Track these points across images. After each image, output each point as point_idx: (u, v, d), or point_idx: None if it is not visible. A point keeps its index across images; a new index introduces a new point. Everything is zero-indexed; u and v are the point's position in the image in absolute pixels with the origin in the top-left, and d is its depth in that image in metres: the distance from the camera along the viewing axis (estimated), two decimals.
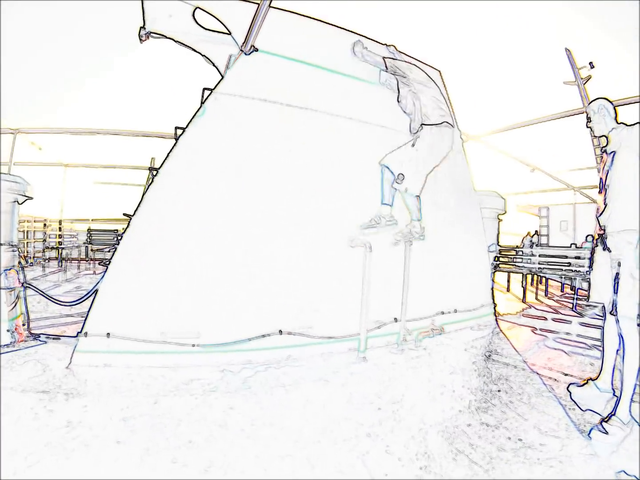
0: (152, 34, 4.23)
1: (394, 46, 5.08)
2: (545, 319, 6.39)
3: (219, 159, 3.92)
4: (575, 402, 3.18)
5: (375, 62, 4.73)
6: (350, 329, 4.30)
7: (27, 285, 4.17)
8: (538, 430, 2.73)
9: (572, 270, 7.78)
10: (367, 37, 4.90)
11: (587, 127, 3.36)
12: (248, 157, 4.02)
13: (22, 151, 11.36)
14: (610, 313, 3.07)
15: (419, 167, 4.64)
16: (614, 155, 3.07)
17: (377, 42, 5.01)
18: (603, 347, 3.28)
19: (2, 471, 2.05)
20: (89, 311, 3.58)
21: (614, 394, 3.21)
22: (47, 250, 12.30)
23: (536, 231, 13.59)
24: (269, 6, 3.86)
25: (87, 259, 13.15)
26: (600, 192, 3.21)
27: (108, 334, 3.56)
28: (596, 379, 3.34)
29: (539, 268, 8.34)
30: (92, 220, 13.78)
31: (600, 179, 3.21)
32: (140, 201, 3.72)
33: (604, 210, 3.10)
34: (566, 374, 3.84)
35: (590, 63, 9.02)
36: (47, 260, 12.07)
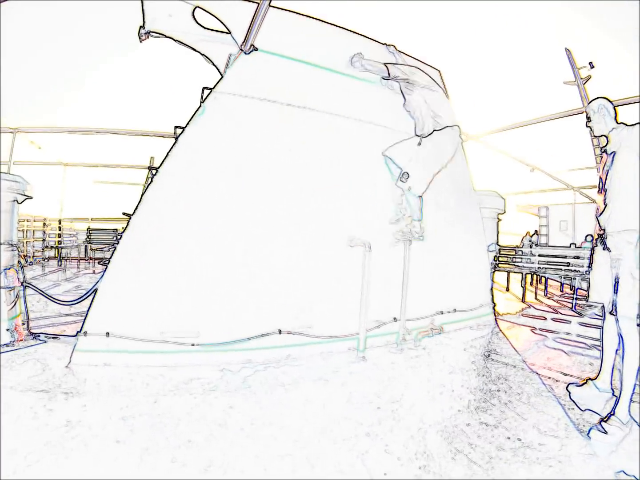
0: (151, 34, 4.23)
1: (394, 46, 5.08)
2: (545, 318, 6.39)
3: (219, 159, 3.92)
4: (574, 402, 3.18)
5: (378, 70, 4.71)
6: (349, 329, 4.30)
7: (27, 285, 4.17)
8: (537, 430, 2.73)
9: (571, 270, 7.78)
10: (367, 37, 4.91)
11: (587, 126, 3.36)
12: (248, 156, 4.02)
13: (21, 150, 11.36)
14: (610, 313, 3.07)
15: (424, 167, 4.65)
16: (614, 155, 3.07)
17: (377, 41, 5.01)
18: (602, 347, 3.28)
19: (2, 470, 2.05)
20: (88, 310, 3.58)
21: (613, 394, 3.22)
22: (47, 249, 12.29)
23: (536, 231, 13.59)
24: (269, 5, 3.86)
25: (86, 258, 13.14)
26: (600, 192, 3.21)
27: (107, 333, 3.55)
28: (595, 378, 3.34)
29: (538, 268, 8.34)
30: (91, 219, 13.77)
31: (600, 178, 3.21)
32: (140, 200, 3.72)
33: (603, 210, 3.10)
34: (565, 374, 3.84)
35: (590, 63, 9.03)
36: (46, 260, 12.06)
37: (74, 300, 4.07)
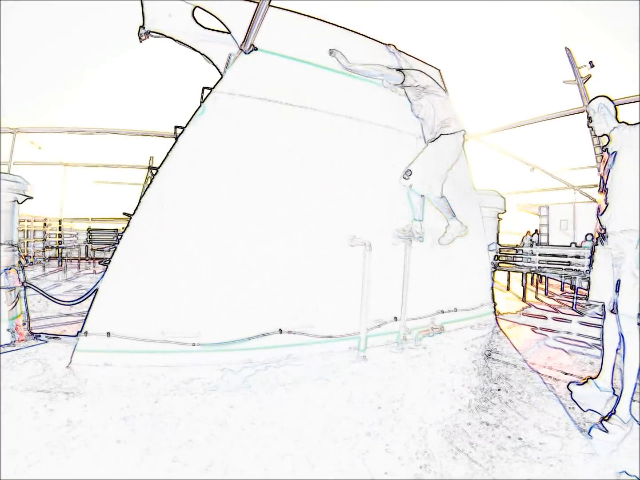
0: (151, 33, 4.23)
1: (394, 45, 5.08)
2: (545, 318, 6.39)
3: (219, 158, 3.92)
4: (575, 401, 3.18)
5: (394, 79, 4.72)
6: (350, 328, 4.30)
7: (27, 285, 4.17)
8: (538, 429, 2.73)
9: (572, 269, 7.78)
10: (367, 36, 4.90)
11: (589, 127, 3.36)
12: (248, 156, 4.02)
13: (21, 150, 11.36)
14: (611, 311, 3.07)
15: (428, 168, 4.65)
16: (615, 154, 3.06)
17: (377, 41, 5.01)
18: (603, 346, 3.28)
19: (2, 470, 2.05)
20: (89, 310, 3.58)
21: (614, 393, 3.22)
22: (47, 249, 12.31)
23: (536, 230, 13.59)
24: (269, 5, 3.86)
25: (87, 258, 13.16)
26: (601, 191, 3.21)
27: (108, 333, 3.56)
28: (596, 377, 3.34)
29: (539, 267, 8.33)
30: (92, 219, 13.78)
31: (601, 177, 3.21)
32: (140, 200, 3.72)
33: (605, 209, 3.09)
34: (566, 373, 3.84)
35: (590, 62, 9.02)
36: (47, 260, 12.08)
37: (74, 301, 4.07)
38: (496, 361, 4.15)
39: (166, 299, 3.70)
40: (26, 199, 4.32)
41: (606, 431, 2.65)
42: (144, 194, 3.76)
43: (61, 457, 2.20)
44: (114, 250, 3.64)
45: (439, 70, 5.75)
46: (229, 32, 4.20)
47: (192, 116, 3.85)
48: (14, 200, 4.14)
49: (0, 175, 3.98)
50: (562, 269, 7.97)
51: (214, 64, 4.59)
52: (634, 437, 2.65)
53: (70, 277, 9.40)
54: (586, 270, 7.28)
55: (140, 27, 4.15)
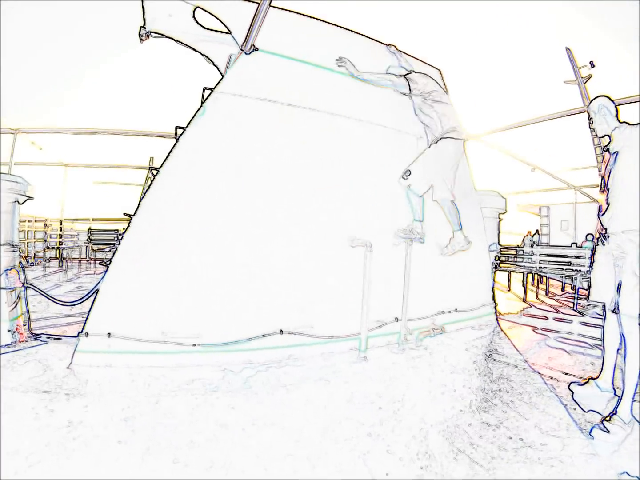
0: (152, 34, 4.23)
1: (395, 46, 5.08)
2: (546, 318, 6.39)
3: (220, 159, 3.92)
4: (577, 402, 3.18)
5: (401, 88, 4.75)
6: (351, 329, 4.29)
7: (28, 285, 4.17)
8: (539, 430, 2.73)
9: (572, 269, 7.78)
10: (367, 37, 4.91)
11: (590, 128, 3.36)
12: (248, 156, 4.02)
13: (22, 151, 11.38)
14: (613, 311, 3.06)
15: (427, 169, 4.66)
16: (616, 154, 3.06)
17: (377, 41, 5.01)
18: (604, 346, 3.28)
19: (2, 471, 2.05)
20: (89, 311, 3.58)
21: (615, 393, 3.21)
22: (48, 250, 12.31)
23: (537, 230, 13.60)
24: (269, 5, 3.86)
25: (87, 259, 13.17)
26: (602, 191, 3.20)
27: (109, 333, 3.55)
28: (597, 378, 3.34)
29: (539, 267, 8.33)
30: (92, 220, 13.79)
31: (602, 177, 3.21)
32: (140, 201, 3.72)
33: (606, 209, 3.09)
34: (567, 374, 3.84)
35: (591, 62, 9.03)
36: (47, 260, 12.08)
37: (75, 301, 4.07)
38: (497, 362, 4.15)
39: (167, 300, 3.70)
40: (27, 200, 4.33)
41: (607, 432, 2.64)
42: (144, 195, 3.76)
43: (62, 458, 2.19)
44: (115, 251, 3.64)
45: (440, 70, 5.75)
46: (230, 33, 4.20)
47: (193, 117, 3.85)
48: (15, 201, 4.14)
49: (1, 175, 3.98)
50: (562, 269, 7.98)
51: (214, 65, 4.59)
52: (635, 437, 2.64)
53: (70, 278, 9.41)
54: (587, 271, 7.28)
55: (141, 27, 4.16)
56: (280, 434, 2.58)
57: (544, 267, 8.28)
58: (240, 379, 3.46)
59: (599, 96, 3.31)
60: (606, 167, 3.16)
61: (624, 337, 2.88)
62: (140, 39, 4.24)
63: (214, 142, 3.91)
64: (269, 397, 3.13)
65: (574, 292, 8.01)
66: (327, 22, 4.60)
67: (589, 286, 3.41)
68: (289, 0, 4.45)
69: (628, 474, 2.25)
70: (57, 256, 12.29)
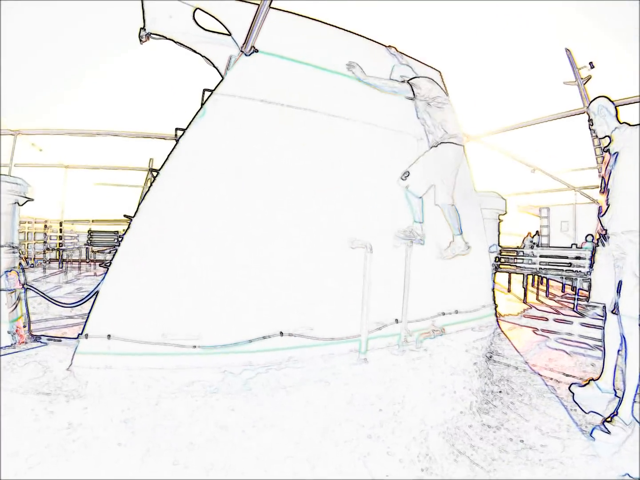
0: (152, 35, 4.23)
1: (395, 47, 5.09)
2: (547, 319, 6.39)
3: (220, 160, 3.92)
4: (577, 403, 3.17)
5: (405, 93, 4.78)
6: (351, 330, 4.29)
7: (28, 287, 4.17)
8: (539, 431, 2.73)
9: (572, 270, 7.78)
10: (367, 38, 4.91)
11: (590, 129, 3.36)
12: (248, 158, 4.02)
13: (22, 152, 11.39)
14: (613, 312, 3.06)
15: (426, 171, 4.67)
16: (617, 155, 3.06)
17: (377, 43, 5.01)
18: (604, 348, 3.28)
19: (2, 472, 2.05)
20: (89, 313, 3.57)
21: (615, 395, 3.21)
22: (48, 251, 12.30)
23: (537, 231, 13.62)
24: (269, 7, 3.86)
25: (87, 261, 13.17)
26: (602, 192, 3.20)
27: (109, 335, 3.55)
28: (598, 379, 3.33)
29: (539, 268, 8.33)
30: (92, 221, 13.80)
31: (602, 178, 3.21)
32: (140, 202, 3.72)
33: (606, 210, 3.09)
34: (567, 375, 3.84)
35: (590, 63, 9.04)
36: (47, 262, 12.08)
37: (75, 303, 4.07)
38: (497, 363, 4.15)
39: (167, 302, 3.70)
40: (27, 201, 4.33)
41: (608, 433, 2.64)
42: (144, 196, 3.76)
43: (62, 460, 2.19)
44: (115, 253, 3.64)
45: (440, 72, 5.75)
46: (230, 34, 4.20)
47: (193, 118, 3.85)
48: (15, 202, 4.14)
49: (1, 177, 3.98)
50: (563, 270, 7.98)
51: (214, 66, 4.59)
52: (636, 438, 2.64)
53: (70, 279, 9.41)
54: (587, 272, 7.28)
55: (141, 29, 4.16)
56: (280, 435, 2.58)
57: (544, 268, 8.28)
58: (240, 380, 3.45)
59: (599, 97, 3.31)
60: (606, 167, 3.16)
61: (624, 338, 2.88)
62: (141, 41, 4.24)
63: (214, 144, 3.91)
64: (269, 398, 3.13)
65: (574, 293, 8.01)
66: (327, 24, 4.60)
67: (589, 287, 3.41)
68: (289, 1, 4.45)
69: (630, 476, 2.24)
70: (57, 258, 12.30)
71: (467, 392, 3.38)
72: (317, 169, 4.32)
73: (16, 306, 4.05)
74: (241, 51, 4.05)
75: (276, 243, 4.06)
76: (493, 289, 6.07)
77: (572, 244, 10.63)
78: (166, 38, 4.29)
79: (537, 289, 9.63)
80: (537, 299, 8.75)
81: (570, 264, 7.83)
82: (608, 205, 3.08)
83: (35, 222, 12.30)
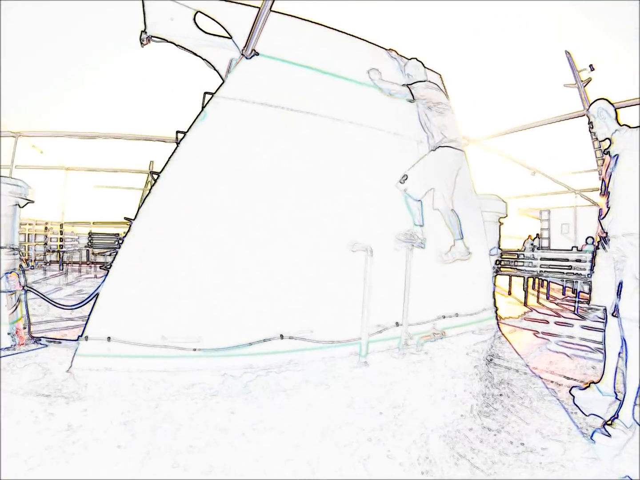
0: (153, 38, 4.24)
1: (395, 50, 5.10)
2: (547, 322, 6.38)
3: (220, 163, 3.93)
4: (578, 406, 3.17)
5: (402, 94, 4.86)
6: (351, 333, 4.28)
7: (28, 289, 4.17)
8: (540, 434, 2.72)
9: (573, 273, 7.77)
10: (368, 41, 4.92)
11: (590, 132, 3.36)
12: (249, 161, 4.03)
13: (23, 154, 11.41)
14: (613, 314, 3.06)
15: (424, 175, 4.69)
16: (617, 157, 3.06)
17: (378, 46, 5.02)
18: (605, 350, 3.27)
19: (2, 474, 2.05)
20: (89, 315, 3.57)
21: (616, 397, 3.20)
22: (48, 253, 12.32)
23: (537, 234, 13.61)
24: (270, 10, 3.87)
25: (88, 263, 13.17)
26: (602, 194, 3.20)
27: (109, 337, 3.55)
28: (598, 382, 3.32)
29: (540, 271, 8.33)
30: (93, 223, 13.81)
31: (602, 181, 3.21)
32: (141, 205, 3.72)
33: (606, 213, 3.09)
34: (568, 378, 3.83)
35: (591, 65, 9.05)
36: (48, 264, 12.09)
37: (75, 305, 4.07)
38: (498, 366, 4.14)
39: (167, 304, 3.70)
40: (27, 203, 4.33)
41: (609, 436, 2.63)
42: (145, 199, 3.76)
43: (61, 462, 2.19)
44: (115, 255, 3.64)
45: (440, 75, 5.76)
46: (231, 37, 4.21)
47: (194, 121, 3.86)
48: (16, 204, 4.15)
49: (2, 179, 3.98)
50: (563, 273, 7.97)
51: (215, 69, 4.60)
52: (637, 441, 2.63)
53: (71, 281, 9.41)
54: (588, 274, 7.27)
55: (142, 32, 4.17)
56: (280, 438, 2.58)
57: (545, 271, 8.28)
58: (241, 383, 3.45)
59: (598, 99, 3.31)
60: (607, 170, 3.16)
61: (624, 340, 2.87)
62: (142, 44, 4.24)
63: (215, 147, 3.92)
64: (269, 401, 3.13)
65: (575, 295, 8.00)
66: (328, 27, 4.62)
67: (590, 290, 3.40)
68: (290, 2, 4.46)
69: (630, 478, 2.24)
70: (58, 259, 12.30)
71: (468, 395, 3.37)
72: (317, 172, 4.33)
73: (16, 308, 4.05)
74: (242, 54, 4.06)
75: (277, 246, 4.06)
76: (494, 292, 6.07)
77: (572, 247, 10.63)
78: (167, 41, 4.30)
79: (538, 291, 9.61)
80: (537, 301, 8.74)
81: (570, 267, 7.83)
82: (608, 208, 3.07)
83: (35, 224, 12.32)
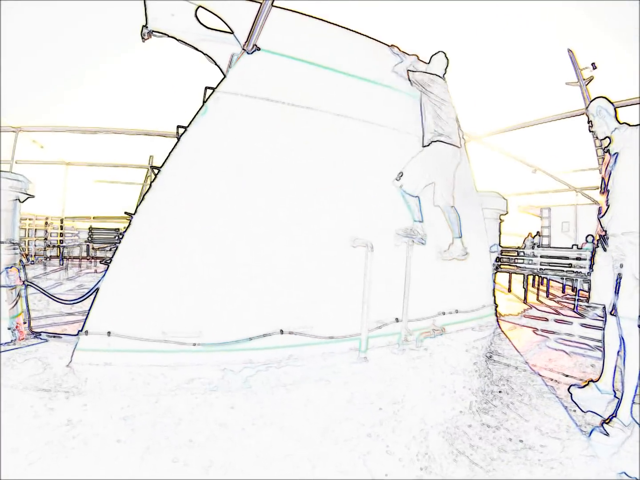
0: (154, 33, 4.23)
1: (397, 47, 5.08)
2: (547, 319, 6.39)
3: (221, 158, 3.92)
4: (576, 403, 3.17)
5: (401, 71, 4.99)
6: (351, 329, 4.29)
7: (28, 284, 4.17)
8: (539, 432, 2.73)
9: (573, 271, 7.78)
10: (370, 37, 4.90)
11: (590, 131, 3.34)
12: (250, 156, 4.02)
13: (23, 149, 11.40)
14: (611, 313, 3.05)
15: (419, 170, 4.69)
16: (617, 156, 3.05)
17: (380, 42, 5.01)
18: (604, 348, 3.27)
19: (2, 469, 2.05)
20: (89, 310, 3.57)
21: (614, 396, 3.20)
22: (49, 248, 12.33)
23: (538, 232, 13.62)
24: (272, 5, 3.86)
25: (88, 258, 13.17)
26: (602, 192, 3.19)
27: (109, 332, 3.55)
28: (597, 380, 3.33)
29: (540, 269, 8.33)
30: (93, 218, 13.81)
31: (602, 179, 3.20)
32: (141, 200, 3.72)
33: (606, 211, 3.08)
34: (567, 375, 3.84)
35: (593, 64, 9.03)
36: (48, 259, 12.10)
37: (75, 300, 4.07)
38: (497, 363, 4.15)
39: (167, 299, 3.70)
40: (28, 198, 4.33)
41: (607, 434, 2.64)
42: (145, 194, 3.76)
43: (61, 456, 2.19)
44: (116, 250, 3.64)
45: None
46: (232, 32, 4.20)
47: (195, 116, 3.85)
48: (16, 199, 4.14)
49: (2, 173, 3.98)
50: (563, 270, 7.98)
51: (216, 64, 4.59)
52: (635, 439, 2.64)
53: (71, 276, 9.41)
54: (587, 272, 7.28)
55: (143, 26, 4.16)
56: (280, 433, 2.58)
57: (545, 269, 8.28)
58: (240, 378, 3.45)
59: (597, 98, 3.30)
60: (606, 168, 3.15)
61: (623, 339, 2.87)
62: (143, 38, 4.24)
63: (216, 142, 3.91)
64: (269, 396, 3.13)
65: (574, 293, 8.01)
66: (330, 22, 4.60)
67: (590, 288, 3.40)
68: (291, 0, 4.44)
69: (627, 475, 2.25)
70: (58, 254, 12.30)
71: (467, 392, 3.38)
72: (318, 168, 4.32)
73: (16, 303, 4.06)
74: (243, 49, 4.05)
75: (277, 241, 4.06)
76: (493, 289, 6.07)
77: (572, 245, 10.64)
78: (168, 36, 4.29)
79: (538, 289, 9.63)
80: (537, 299, 8.75)
81: (570, 265, 7.84)
82: (608, 206, 3.07)
83: (36, 219, 12.32)
